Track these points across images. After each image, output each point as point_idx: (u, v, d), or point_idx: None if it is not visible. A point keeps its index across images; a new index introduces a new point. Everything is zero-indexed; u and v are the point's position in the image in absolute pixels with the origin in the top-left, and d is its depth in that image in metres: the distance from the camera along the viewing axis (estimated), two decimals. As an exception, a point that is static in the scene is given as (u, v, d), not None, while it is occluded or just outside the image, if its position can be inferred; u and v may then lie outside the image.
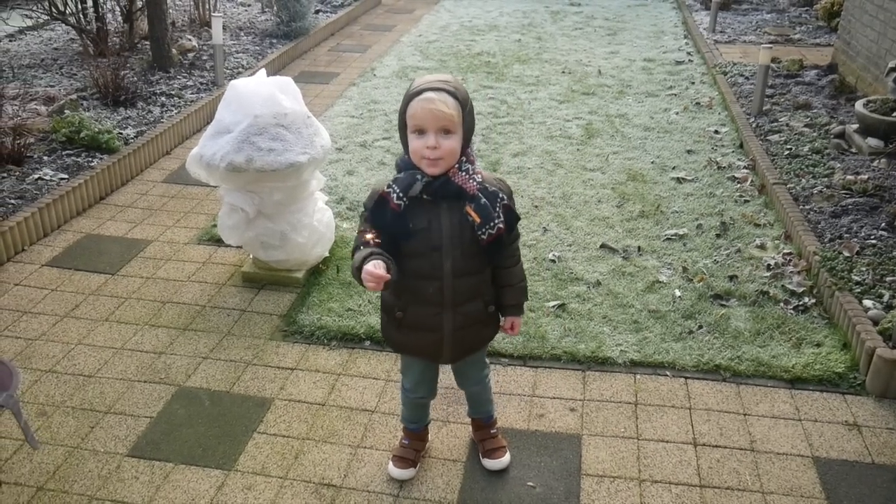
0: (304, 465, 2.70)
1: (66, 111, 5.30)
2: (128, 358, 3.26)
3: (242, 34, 7.97)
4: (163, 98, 5.94)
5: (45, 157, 4.81)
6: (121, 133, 5.22)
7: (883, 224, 4.00)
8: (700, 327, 3.42)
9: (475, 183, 2.22)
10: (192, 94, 6.10)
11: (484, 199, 2.21)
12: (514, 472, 2.67)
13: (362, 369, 3.19)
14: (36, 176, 4.56)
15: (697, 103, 6.36)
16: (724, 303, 3.61)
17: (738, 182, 4.86)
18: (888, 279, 3.52)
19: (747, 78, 6.69)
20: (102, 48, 6.66)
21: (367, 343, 3.34)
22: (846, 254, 3.72)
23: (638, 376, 3.15)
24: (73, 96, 5.71)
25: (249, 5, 9.35)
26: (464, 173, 2.21)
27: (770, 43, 7.39)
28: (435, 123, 2.12)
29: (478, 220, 2.20)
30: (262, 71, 3.70)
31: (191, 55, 6.95)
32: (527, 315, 3.49)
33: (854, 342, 3.21)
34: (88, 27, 6.88)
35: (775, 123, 5.57)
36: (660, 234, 4.24)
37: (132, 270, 3.92)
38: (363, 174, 5.00)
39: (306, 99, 3.88)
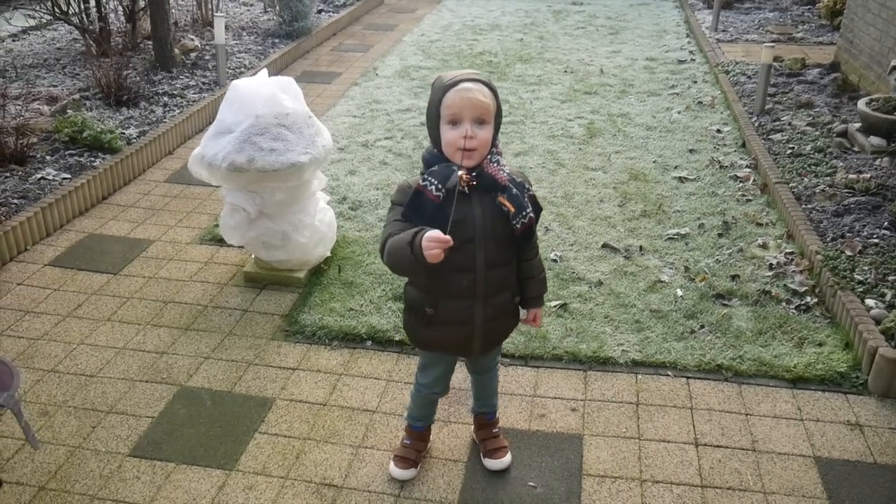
0: (305, 465, 2.70)
1: (69, 111, 5.31)
2: (129, 358, 3.26)
3: (245, 34, 7.98)
4: (165, 98, 5.95)
5: (48, 157, 4.82)
6: (123, 133, 5.23)
7: (885, 223, 3.99)
8: (702, 327, 3.42)
9: (505, 174, 2.25)
10: (194, 93, 6.11)
11: (515, 190, 2.24)
12: (515, 472, 2.67)
13: (364, 369, 3.19)
14: (39, 176, 4.56)
15: (700, 102, 6.35)
16: (725, 302, 3.60)
17: (741, 181, 4.86)
18: (890, 278, 3.51)
19: (749, 77, 6.68)
20: (105, 48, 6.67)
21: (369, 343, 3.35)
22: (848, 253, 3.72)
23: (639, 376, 3.15)
24: (76, 96, 5.72)
25: (252, 5, 9.36)
26: (495, 164, 2.25)
27: (772, 41, 7.37)
28: (472, 113, 2.15)
29: (512, 209, 2.22)
30: (264, 71, 3.70)
31: (193, 55, 6.96)
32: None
33: (856, 342, 3.20)
34: (91, 27, 6.89)
35: (777, 122, 5.56)
36: (662, 233, 4.24)
37: (134, 270, 3.93)
38: (365, 174, 5.01)
39: (308, 99, 3.88)
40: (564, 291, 3.69)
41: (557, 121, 5.98)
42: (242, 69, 6.79)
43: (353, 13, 9.56)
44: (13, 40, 7.50)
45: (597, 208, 4.54)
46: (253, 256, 3.86)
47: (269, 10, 8.99)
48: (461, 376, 2.98)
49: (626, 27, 9.13)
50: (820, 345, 3.29)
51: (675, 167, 5.11)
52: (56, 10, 6.80)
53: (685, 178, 4.94)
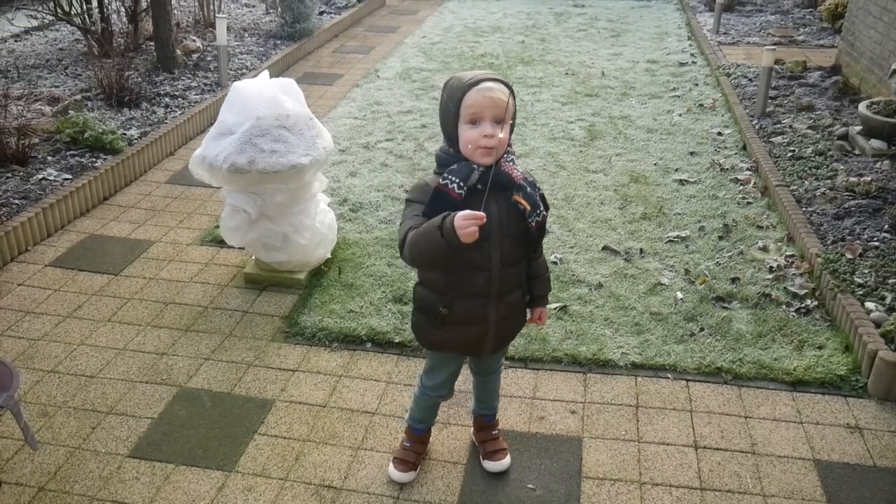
0: (304, 467, 2.70)
1: (71, 112, 5.32)
2: (130, 359, 3.27)
3: (246, 35, 7.99)
4: (167, 99, 5.96)
5: (50, 158, 4.82)
6: (125, 134, 5.23)
7: (886, 226, 3.99)
8: (702, 330, 3.42)
9: (519, 172, 2.27)
10: (195, 95, 6.12)
11: (529, 188, 2.26)
12: (514, 474, 2.67)
13: (363, 371, 3.19)
14: (40, 176, 4.57)
15: (701, 105, 6.35)
16: (725, 305, 3.60)
17: (741, 184, 4.86)
18: (891, 281, 3.51)
19: (751, 79, 6.68)
20: (107, 49, 6.68)
21: (369, 345, 3.35)
22: (849, 256, 3.72)
23: (639, 379, 3.15)
24: (78, 97, 5.73)
25: (254, 6, 9.37)
26: (510, 163, 2.26)
27: (773, 44, 7.39)
28: (492, 112, 2.17)
29: (528, 207, 2.24)
30: (265, 72, 3.71)
31: (195, 56, 6.97)
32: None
33: (856, 345, 3.20)
34: (93, 28, 6.90)
35: (778, 125, 5.56)
36: (662, 236, 4.24)
37: (135, 271, 3.93)
38: (366, 176, 5.01)
39: (310, 100, 3.89)
40: (564, 294, 3.69)
41: (558, 123, 5.99)
42: (244, 70, 6.80)
43: (354, 15, 9.57)
44: (15, 41, 7.51)
45: (597, 210, 4.55)
46: (253, 258, 3.87)
47: (270, 11, 9.00)
48: (461, 378, 2.97)
49: (627, 30, 9.13)
50: (820, 348, 3.28)
51: (676, 170, 5.11)
52: (58, 10, 6.81)
53: (686, 180, 4.94)
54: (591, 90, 6.79)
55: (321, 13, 9.14)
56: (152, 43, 6.74)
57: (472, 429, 2.81)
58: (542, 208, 2.28)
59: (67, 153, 4.90)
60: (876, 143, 4.92)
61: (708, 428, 2.88)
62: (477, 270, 2.26)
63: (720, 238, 4.20)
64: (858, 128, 5.15)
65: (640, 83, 6.99)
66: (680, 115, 6.14)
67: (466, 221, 2.05)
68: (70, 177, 4.60)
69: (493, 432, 2.73)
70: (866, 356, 3.09)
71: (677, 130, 5.81)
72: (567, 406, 2.99)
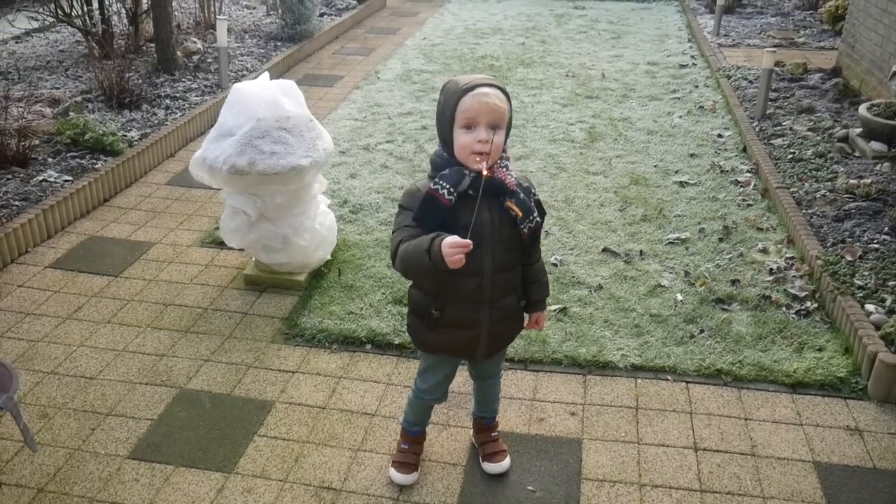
0: (304, 469, 2.70)
1: (71, 113, 5.32)
2: (129, 360, 3.27)
3: (247, 37, 8.00)
4: (167, 100, 5.96)
5: (50, 159, 4.83)
6: (125, 135, 5.24)
7: (886, 228, 3.99)
8: (701, 331, 3.42)
9: (513, 178, 2.26)
10: (196, 96, 6.12)
11: (522, 195, 2.25)
12: (514, 476, 2.67)
13: (363, 373, 3.19)
14: (40, 178, 4.57)
15: (701, 107, 6.35)
16: (725, 307, 3.60)
17: (741, 186, 4.86)
18: (891, 283, 3.51)
19: (751, 81, 6.68)
20: (108, 50, 6.69)
21: (369, 346, 3.35)
22: (849, 258, 3.72)
23: (639, 380, 3.15)
24: (78, 98, 5.73)
25: (254, 8, 9.38)
26: (503, 169, 2.26)
27: (774, 46, 7.38)
28: (488, 117, 2.16)
29: (520, 213, 2.24)
30: (266, 74, 3.71)
31: (195, 58, 6.98)
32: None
33: (856, 347, 3.20)
34: (94, 29, 6.91)
35: (779, 127, 5.56)
36: (662, 237, 4.24)
37: (135, 273, 3.93)
38: (366, 177, 5.01)
39: (310, 102, 3.89)
40: (564, 295, 3.69)
41: (559, 125, 5.99)
42: (244, 72, 6.81)
43: (355, 17, 9.58)
44: (16, 42, 7.52)
45: (597, 212, 4.55)
46: (253, 259, 3.87)
47: (271, 13, 9.01)
48: (461, 380, 2.98)
49: (627, 31, 9.13)
50: (820, 350, 3.28)
51: (676, 172, 5.11)
52: (59, 12, 6.82)
53: (686, 182, 4.94)
54: (592, 92, 6.79)
55: (322, 15, 9.15)
56: (153, 44, 6.74)
57: (471, 430, 2.81)
58: (535, 214, 2.27)
59: (68, 155, 4.90)
60: (876, 146, 4.92)
61: (708, 430, 2.88)
62: (468, 276, 2.25)
63: (720, 240, 4.20)
64: (859, 130, 5.15)
65: (640, 85, 6.99)
66: (680, 117, 6.14)
67: (453, 249, 2.05)
68: (70, 178, 4.61)
69: (493, 434, 2.73)
70: (866, 358, 3.09)
71: (677, 132, 5.81)
72: (567, 408, 2.99)
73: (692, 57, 7.89)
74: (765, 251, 4.07)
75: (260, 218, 3.60)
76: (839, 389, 3.07)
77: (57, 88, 6.05)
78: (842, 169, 4.76)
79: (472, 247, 2.07)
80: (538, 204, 2.31)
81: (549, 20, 9.78)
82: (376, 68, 7.56)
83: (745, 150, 5.41)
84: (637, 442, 2.82)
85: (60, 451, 2.76)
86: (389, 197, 4.71)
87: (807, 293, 3.65)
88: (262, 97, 3.50)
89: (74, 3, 6.88)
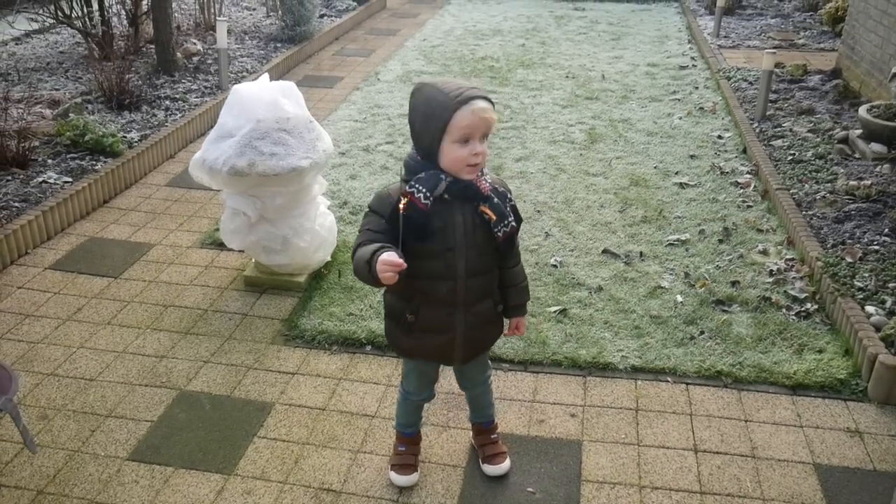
0: (303, 470, 2.70)
1: (71, 114, 5.32)
2: (129, 361, 3.26)
3: (247, 38, 8.00)
4: (167, 102, 5.96)
5: (50, 161, 4.83)
6: (125, 136, 5.24)
7: (886, 230, 3.99)
8: (702, 333, 3.42)
9: (487, 183, 2.27)
10: (196, 97, 6.12)
11: (496, 199, 2.25)
12: (514, 477, 2.66)
13: (363, 374, 3.19)
14: (40, 179, 4.57)
15: (701, 108, 6.35)
16: (725, 308, 3.60)
17: (741, 187, 4.86)
18: (891, 285, 3.51)
19: (751, 83, 6.68)
20: (107, 52, 6.69)
21: (368, 348, 3.35)
22: (849, 259, 3.72)
23: (639, 382, 3.14)
24: (78, 100, 5.73)
25: (254, 9, 9.38)
26: (479, 174, 2.26)
27: (774, 48, 7.38)
28: (483, 131, 2.17)
29: (494, 217, 2.24)
30: (265, 75, 3.71)
31: (195, 59, 6.98)
32: (528, 320, 3.49)
33: (856, 348, 3.20)
34: (94, 31, 6.91)
35: (779, 128, 5.56)
36: (662, 239, 4.24)
37: (135, 274, 3.93)
38: (366, 178, 5.01)
39: (310, 103, 3.89)
40: (564, 297, 3.69)
41: (559, 126, 5.99)
42: (244, 73, 6.81)
43: (354, 18, 9.58)
44: (16, 44, 7.52)
45: (597, 214, 4.54)
46: (253, 260, 3.87)
47: (271, 14, 9.01)
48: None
49: (627, 33, 9.14)
50: (820, 351, 3.28)
51: (676, 173, 5.11)
52: (59, 13, 6.82)
53: (686, 183, 4.94)
54: (592, 93, 6.79)
55: (321, 16, 9.15)
56: (153, 46, 6.74)
57: (471, 432, 2.81)
58: (510, 219, 2.28)
59: (67, 156, 4.90)
60: (876, 147, 4.92)
61: (708, 431, 2.88)
62: (440, 280, 2.26)
63: (720, 241, 4.20)
64: (859, 131, 5.15)
65: (640, 86, 6.99)
66: (680, 118, 6.14)
67: (384, 266, 2.05)
68: (70, 179, 4.60)
69: (492, 436, 2.73)
70: (866, 360, 3.08)
71: (677, 134, 5.81)
72: (567, 409, 2.99)
73: (692, 58, 7.89)
74: (765, 252, 4.07)
75: (260, 219, 3.60)
76: (839, 391, 3.07)
77: (57, 90, 6.05)
78: (842, 170, 4.76)
79: (405, 267, 2.06)
80: (514, 209, 2.31)
81: (548, 21, 9.79)
82: (376, 69, 7.56)
83: (745, 151, 5.41)
84: (637, 443, 2.82)
85: (60, 453, 2.76)
86: (389, 198, 4.70)
87: (807, 295, 3.65)
88: (261, 98, 3.50)
89: (74, 5, 6.88)
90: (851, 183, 4.49)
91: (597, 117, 6.19)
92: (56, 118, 5.29)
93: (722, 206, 4.62)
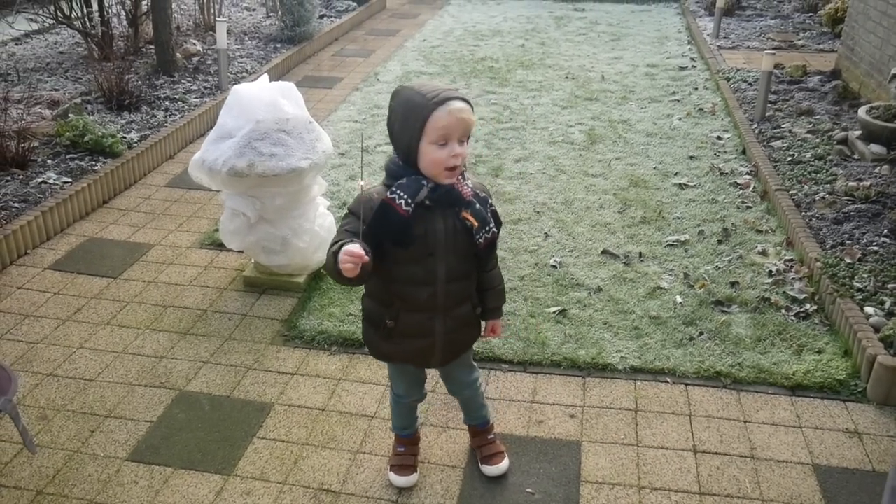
0: (303, 471, 2.70)
1: (71, 115, 5.32)
2: (129, 362, 3.26)
3: (247, 39, 8.00)
4: (167, 102, 5.96)
5: (49, 161, 4.83)
6: (124, 137, 5.24)
7: (885, 231, 3.99)
8: (701, 334, 3.42)
9: (469, 189, 2.26)
10: (195, 98, 6.13)
11: (478, 205, 2.25)
12: (513, 478, 2.67)
13: (362, 375, 3.19)
14: (40, 179, 4.57)
15: (700, 109, 6.35)
16: (725, 309, 3.60)
17: (741, 188, 4.86)
18: (890, 286, 3.51)
19: (750, 84, 6.68)
20: (107, 52, 6.69)
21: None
22: (848, 260, 3.72)
23: (638, 383, 3.14)
24: (78, 100, 5.74)
25: (254, 10, 9.39)
26: (460, 179, 2.25)
27: (773, 49, 7.38)
28: (461, 132, 2.15)
29: (476, 224, 2.23)
30: (265, 76, 3.72)
31: (195, 59, 6.98)
32: (527, 321, 3.49)
33: (855, 349, 3.20)
34: (93, 31, 6.91)
35: (778, 129, 5.57)
36: (661, 240, 4.24)
37: (134, 274, 3.93)
38: (365, 179, 5.01)
39: (310, 103, 3.89)
40: (563, 297, 3.69)
41: (558, 127, 5.99)
42: (244, 74, 6.81)
43: (354, 18, 9.58)
44: (16, 44, 7.52)
45: (597, 214, 4.55)
46: (252, 261, 3.87)
47: (271, 14, 9.01)
48: (460, 382, 2.98)
49: (627, 34, 9.14)
50: (819, 352, 3.28)
51: (676, 174, 5.11)
52: (58, 14, 6.82)
53: (685, 184, 4.94)
54: (591, 94, 6.79)
55: (321, 17, 9.15)
56: (152, 46, 6.74)
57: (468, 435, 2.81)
58: (491, 225, 2.27)
59: (67, 156, 4.90)
60: (875, 148, 4.92)
61: (707, 432, 2.88)
62: (421, 285, 2.26)
63: (719, 242, 4.20)
64: (858, 132, 5.15)
65: (639, 87, 6.99)
66: (680, 119, 6.14)
67: (346, 257, 2.03)
68: (70, 180, 4.61)
69: (489, 437, 2.73)
70: (865, 361, 3.09)
71: (677, 134, 5.81)
72: (566, 410, 2.99)
73: (692, 59, 7.89)
74: (764, 253, 4.07)
75: (259, 220, 3.60)
76: (838, 392, 3.08)
77: (56, 90, 6.05)
78: (841, 171, 4.76)
79: (366, 260, 2.03)
80: (494, 214, 2.31)
81: (548, 22, 9.79)
82: (376, 70, 7.57)
83: (744, 152, 5.41)
84: (636, 444, 2.82)
85: (59, 454, 2.76)
86: (389, 199, 4.71)
87: (806, 295, 3.65)
88: (261, 99, 3.50)
89: (74, 5, 6.88)
90: (851, 184, 4.49)
91: (596, 118, 6.19)
92: (56, 118, 5.29)
93: (721, 206, 4.62)
